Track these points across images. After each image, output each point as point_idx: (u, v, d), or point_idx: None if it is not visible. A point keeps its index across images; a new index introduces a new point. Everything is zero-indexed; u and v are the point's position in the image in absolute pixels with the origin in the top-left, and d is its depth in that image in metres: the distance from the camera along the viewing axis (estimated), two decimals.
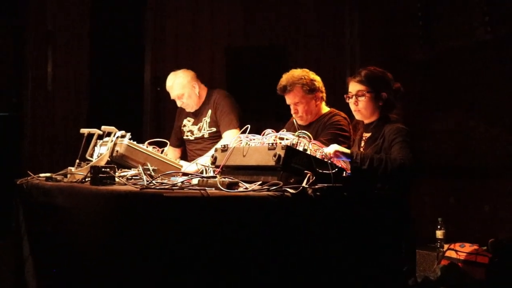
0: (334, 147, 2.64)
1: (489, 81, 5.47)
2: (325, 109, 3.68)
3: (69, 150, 5.52)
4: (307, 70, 3.67)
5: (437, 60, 5.94)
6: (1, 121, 5.84)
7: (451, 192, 5.75)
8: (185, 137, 4.41)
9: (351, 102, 3.16)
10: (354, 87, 3.14)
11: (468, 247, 4.03)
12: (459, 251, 4.02)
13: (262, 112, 5.20)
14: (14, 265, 3.34)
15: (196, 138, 4.32)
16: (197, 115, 4.37)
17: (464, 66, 5.72)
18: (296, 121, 3.69)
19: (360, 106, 3.12)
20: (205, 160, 3.26)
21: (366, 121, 3.18)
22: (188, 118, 4.41)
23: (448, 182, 5.76)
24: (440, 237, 4.35)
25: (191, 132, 4.37)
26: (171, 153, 4.24)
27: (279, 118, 4.31)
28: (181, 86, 4.30)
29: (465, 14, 5.68)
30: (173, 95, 4.37)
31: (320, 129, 3.52)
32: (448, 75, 5.84)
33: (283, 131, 2.63)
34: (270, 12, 6.36)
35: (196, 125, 4.34)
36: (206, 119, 4.30)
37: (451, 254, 4.06)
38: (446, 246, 4.19)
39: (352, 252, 2.41)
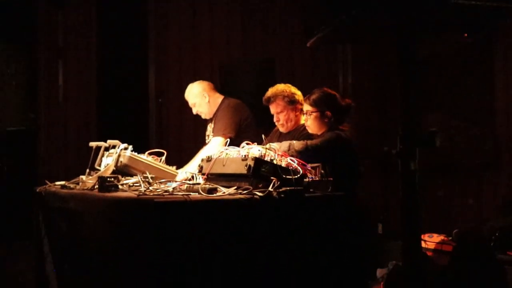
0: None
1: (468, 83, 5.94)
2: (303, 120, 4.15)
3: (81, 158, 6.02)
4: (289, 85, 4.21)
5: (419, 65, 6.37)
6: (20, 135, 6.34)
7: (436, 187, 6.22)
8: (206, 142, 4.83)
9: (304, 119, 3.79)
10: (305, 107, 3.80)
11: (436, 237, 4.49)
12: (428, 240, 4.50)
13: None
14: (36, 261, 3.75)
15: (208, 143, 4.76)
16: (211, 122, 4.81)
17: (444, 69, 6.18)
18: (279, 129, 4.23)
19: (308, 123, 3.78)
20: (194, 168, 3.76)
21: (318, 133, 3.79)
22: (210, 124, 4.85)
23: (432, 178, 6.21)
24: None
25: (208, 137, 4.83)
26: None
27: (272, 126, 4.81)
28: (193, 96, 4.77)
29: (444, 19, 6.11)
30: (189, 104, 4.84)
31: (296, 137, 3.99)
32: (430, 78, 6.29)
33: (255, 144, 3.13)
34: (266, 26, 6.81)
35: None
36: (212, 124, 4.78)
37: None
38: None
39: (312, 247, 2.89)
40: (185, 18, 6.86)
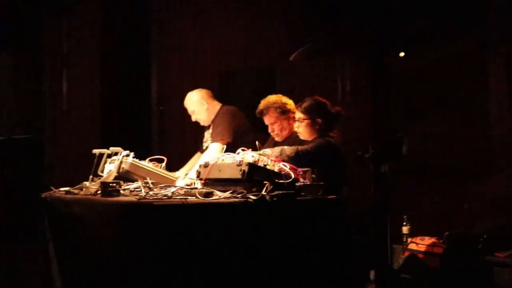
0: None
1: (463, 89, 6.08)
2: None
3: (84, 165, 6.16)
4: (281, 95, 4.38)
5: (417, 71, 6.53)
6: (25, 143, 6.48)
7: (431, 192, 6.34)
8: (203, 148, 4.99)
9: (296, 126, 3.98)
10: (297, 114, 3.98)
11: (427, 240, 4.63)
12: (419, 243, 4.64)
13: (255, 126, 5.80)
14: (42, 264, 3.85)
15: (206, 148, 4.91)
16: (209, 129, 4.99)
17: (441, 75, 6.31)
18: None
19: (300, 130, 3.98)
20: (193, 174, 3.92)
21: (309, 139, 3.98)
22: (207, 131, 5.02)
23: (429, 183, 6.32)
24: (405, 232, 4.96)
25: (205, 143, 4.99)
26: None
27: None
28: (192, 103, 4.94)
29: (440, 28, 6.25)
30: (188, 111, 5.01)
31: (291, 144, 4.16)
32: (428, 84, 6.43)
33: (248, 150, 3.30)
34: (269, 33, 6.92)
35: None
36: (210, 131, 4.94)
37: (412, 246, 4.67)
38: (409, 240, 4.82)
39: (304, 249, 3.05)
40: (187, 26, 6.96)
